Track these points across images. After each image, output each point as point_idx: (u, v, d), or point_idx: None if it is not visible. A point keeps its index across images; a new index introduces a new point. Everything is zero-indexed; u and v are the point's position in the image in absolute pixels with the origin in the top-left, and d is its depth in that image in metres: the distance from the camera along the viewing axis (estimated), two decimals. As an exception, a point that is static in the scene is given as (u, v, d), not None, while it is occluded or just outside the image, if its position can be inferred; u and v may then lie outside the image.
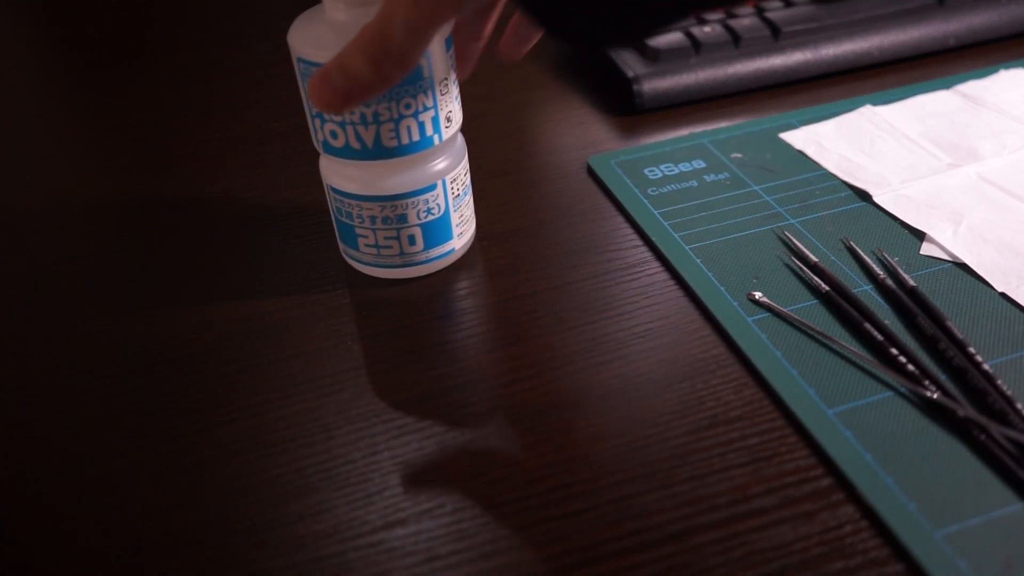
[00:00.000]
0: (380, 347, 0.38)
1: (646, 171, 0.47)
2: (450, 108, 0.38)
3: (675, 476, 0.31)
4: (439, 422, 0.34)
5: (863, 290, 0.38)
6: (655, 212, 0.44)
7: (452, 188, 0.39)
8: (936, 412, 0.32)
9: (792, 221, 0.42)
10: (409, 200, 0.38)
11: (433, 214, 0.39)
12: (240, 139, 0.55)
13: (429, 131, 0.37)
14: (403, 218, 0.39)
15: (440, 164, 0.39)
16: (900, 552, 0.28)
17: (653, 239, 0.42)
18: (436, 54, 0.36)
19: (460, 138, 0.41)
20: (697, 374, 0.35)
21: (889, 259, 0.39)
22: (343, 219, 0.40)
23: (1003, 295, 0.37)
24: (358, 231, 0.40)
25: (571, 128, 0.53)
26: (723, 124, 0.51)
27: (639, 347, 0.36)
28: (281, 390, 0.36)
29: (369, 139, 0.36)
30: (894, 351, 0.34)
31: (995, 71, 0.54)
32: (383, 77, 0.31)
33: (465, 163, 0.40)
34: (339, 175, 0.39)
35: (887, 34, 0.55)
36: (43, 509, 0.31)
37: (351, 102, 0.32)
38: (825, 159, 0.47)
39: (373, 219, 0.39)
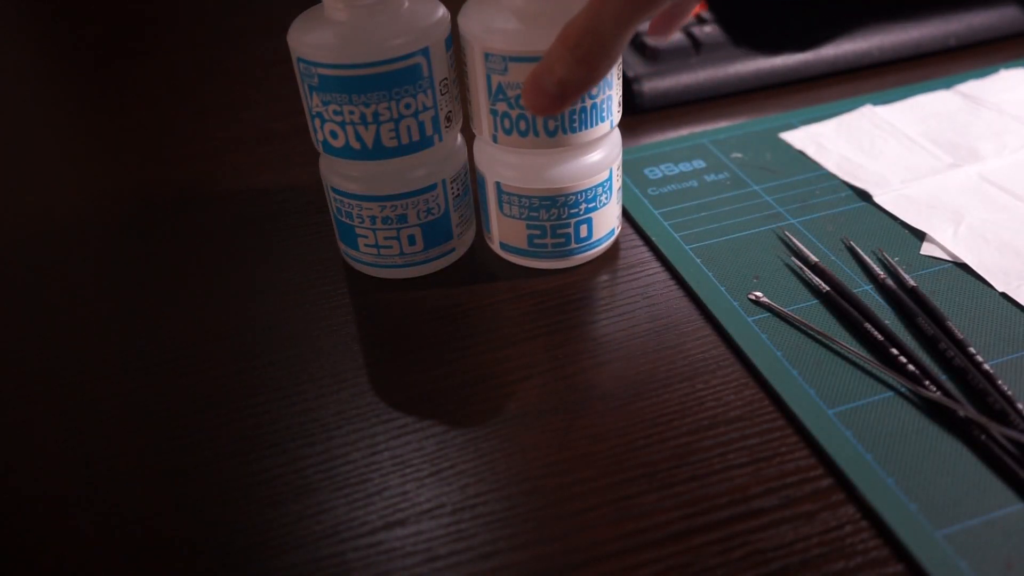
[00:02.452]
0: (380, 347, 0.37)
1: (646, 171, 0.47)
2: (450, 108, 0.38)
3: (675, 476, 0.31)
4: (439, 422, 0.34)
5: (863, 290, 0.38)
6: (655, 212, 0.44)
7: (452, 188, 0.39)
8: (936, 412, 0.32)
9: (792, 221, 0.42)
10: (409, 200, 0.38)
11: (433, 214, 0.39)
12: (240, 139, 0.55)
13: (429, 131, 0.37)
14: (403, 218, 0.39)
15: (441, 164, 0.39)
16: (900, 552, 0.28)
17: (653, 239, 0.42)
18: (436, 54, 0.36)
19: (460, 138, 0.41)
20: (697, 374, 0.35)
21: (889, 259, 0.39)
22: (343, 219, 0.40)
23: (1003, 295, 0.37)
24: (358, 231, 0.40)
25: (571, 128, 0.52)
26: (723, 124, 0.51)
27: (639, 347, 0.36)
28: (281, 390, 0.36)
29: (369, 139, 0.36)
30: (894, 351, 0.34)
31: (995, 71, 0.54)
32: (594, 74, 0.31)
33: (465, 163, 0.40)
34: (339, 175, 0.39)
35: (887, 34, 0.55)
36: (42, 510, 0.31)
37: (565, 103, 0.32)
38: (825, 159, 0.47)
39: (373, 219, 0.39)
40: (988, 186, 0.44)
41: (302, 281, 0.42)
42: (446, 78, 0.37)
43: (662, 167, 0.47)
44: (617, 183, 0.40)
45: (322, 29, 0.35)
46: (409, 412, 0.34)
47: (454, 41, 0.37)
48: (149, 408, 0.35)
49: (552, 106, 0.32)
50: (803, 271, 0.39)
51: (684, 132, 0.51)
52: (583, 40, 0.30)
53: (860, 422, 0.32)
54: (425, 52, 0.35)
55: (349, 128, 0.36)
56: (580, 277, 0.41)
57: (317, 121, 0.37)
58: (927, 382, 0.33)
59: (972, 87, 0.52)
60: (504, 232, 0.40)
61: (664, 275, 0.40)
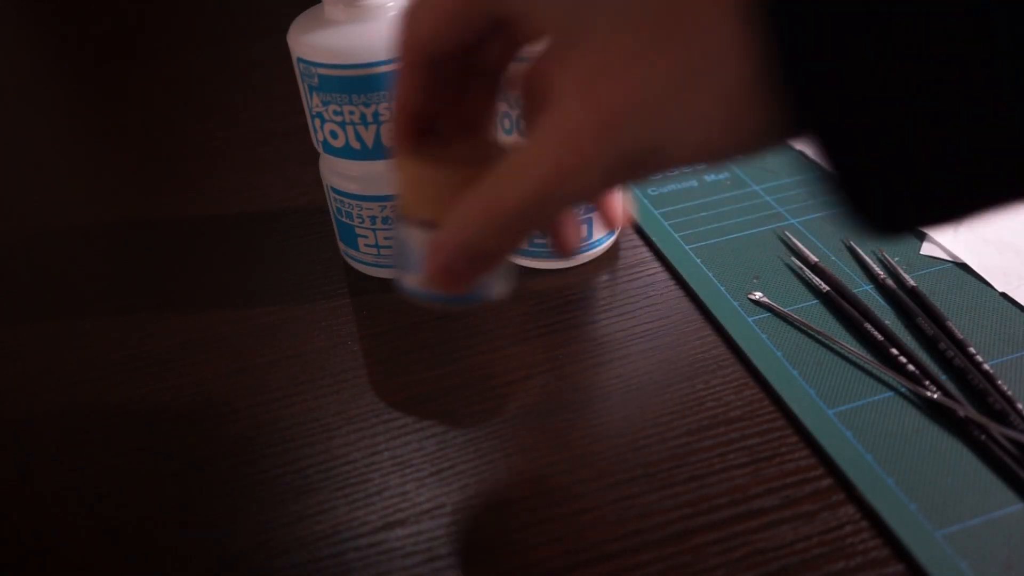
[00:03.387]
0: (380, 347, 0.37)
1: (646, 171, 0.47)
2: (450, 108, 0.38)
3: (675, 476, 0.31)
4: (439, 422, 0.34)
5: (863, 290, 0.38)
6: (655, 212, 0.44)
7: (452, 188, 0.39)
8: (936, 412, 0.32)
9: (792, 221, 0.42)
10: (409, 200, 0.38)
11: (433, 214, 0.39)
12: (240, 139, 0.55)
13: (429, 131, 0.37)
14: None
15: (440, 164, 0.39)
16: (900, 552, 0.28)
17: (653, 239, 0.42)
18: (436, 54, 0.36)
19: (460, 138, 0.41)
20: (697, 374, 0.35)
21: (889, 259, 0.39)
22: (343, 219, 0.40)
23: (1003, 295, 0.37)
24: (358, 231, 0.40)
25: (571, 128, 0.52)
26: (723, 124, 0.51)
27: (639, 347, 0.36)
28: (281, 390, 0.36)
29: (369, 139, 0.36)
30: (894, 351, 0.34)
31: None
32: (509, 246, 0.23)
33: (465, 163, 0.40)
34: (339, 175, 0.39)
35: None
36: (43, 510, 0.31)
37: (475, 277, 0.24)
38: (825, 159, 0.47)
39: (373, 219, 0.39)
40: (988, 186, 0.44)
41: (302, 281, 0.42)
42: (446, 78, 0.37)
43: (662, 167, 0.47)
44: None
45: (322, 29, 0.35)
46: (409, 412, 0.34)
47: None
48: (149, 408, 0.35)
49: (460, 286, 0.24)
50: (803, 271, 0.39)
51: (684, 132, 0.51)
52: (497, 212, 0.22)
53: (860, 422, 0.32)
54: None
55: (349, 128, 0.36)
56: (580, 277, 0.41)
57: (317, 121, 0.37)
58: (927, 382, 0.33)
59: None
60: None
61: (664, 275, 0.40)
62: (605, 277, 0.40)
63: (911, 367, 0.33)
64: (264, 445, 0.33)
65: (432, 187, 0.25)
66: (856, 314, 0.36)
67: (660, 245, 0.41)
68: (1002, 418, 0.31)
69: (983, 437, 0.31)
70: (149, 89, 0.62)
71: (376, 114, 0.35)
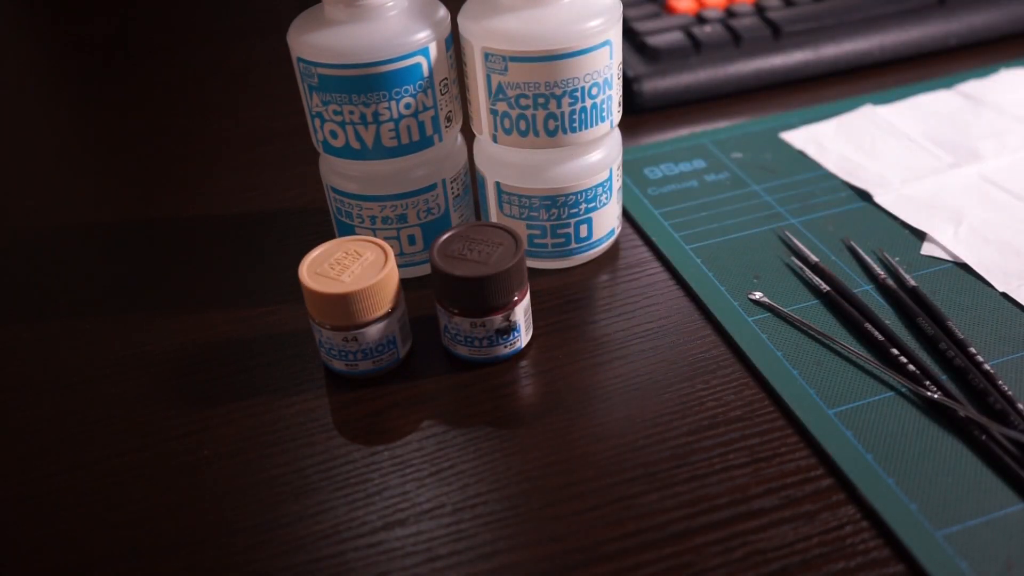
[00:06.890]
0: (380, 347, 0.37)
1: (646, 171, 0.47)
2: (450, 108, 0.38)
3: (676, 476, 0.31)
4: (439, 422, 0.34)
5: (864, 290, 0.38)
6: (655, 212, 0.44)
7: (452, 188, 0.39)
8: (937, 412, 0.32)
9: (793, 221, 0.42)
10: (409, 200, 0.38)
11: (433, 214, 0.39)
12: (240, 139, 0.55)
13: (429, 131, 0.37)
14: (403, 218, 0.39)
15: (441, 164, 0.39)
16: (901, 552, 0.28)
17: (653, 239, 0.42)
18: (436, 54, 0.36)
19: (460, 138, 0.41)
20: (697, 374, 0.35)
21: (890, 259, 0.39)
22: (343, 219, 0.40)
23: (1004, 295, 0.37)
24: (358, 231, 0.40)
25: (571, 128, 0.52)
26: (723, 124, 0.51)
27: (639, 347, 0.36)
28: (281, 390, 0.36)
29: (369, 139, 0.36)
30: (895, 351, 0.34)
31: (996, 70, 0.54)
32: None
33: (465, 163, 0.40)
34: (339, 175, 0.39)
35: (888, 34, 0.55)
36: (43, 510, 0.31)
37: None
38: (826, 159, 0.47)
39: (373, 219, 0.39)
40: (988, 186, 0.44)
41: (302, 281, 0.42)
42: (446, 78, 0.37)
43: (662, 167, 0.47)
44: (617, 183, 0.40)
45: (322, 29, 0.35)
46: (409, 412, 0.34)
47: (454, 41, 0.37)
48: (149, 408, 0.35)
49: None
50: (803, 271, 0.39)
51: (684, 132, 0.51)
52: None
53: (860, 422, 0.32)
54: (425, 52, 0.35)
55: (349, 128, 0.36)
56: (580, 277, 0.40)
57: (317, 121, 0.37)
58: (927, 382, 0.33)
59: (973, 87, 0.52)
60: None
61: (664, 275, 0.40)
62: (605, 277, 0.40)
63: (911, 367, 0.33)
64: (264, 445, 0.33)
65: None
66: (856, 314, 0.36)
67: (660, 245, 0.41)
68: (1002, 418, 0.31)
69: (984, 437, 0.31)
70: (149, 89, 0.62)
71: (376, 114, 0.35)
